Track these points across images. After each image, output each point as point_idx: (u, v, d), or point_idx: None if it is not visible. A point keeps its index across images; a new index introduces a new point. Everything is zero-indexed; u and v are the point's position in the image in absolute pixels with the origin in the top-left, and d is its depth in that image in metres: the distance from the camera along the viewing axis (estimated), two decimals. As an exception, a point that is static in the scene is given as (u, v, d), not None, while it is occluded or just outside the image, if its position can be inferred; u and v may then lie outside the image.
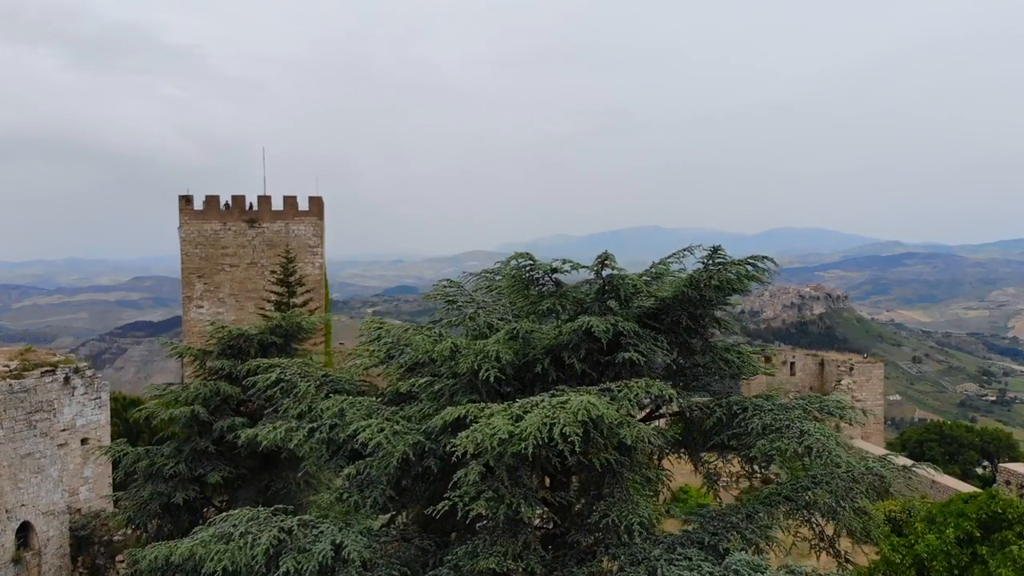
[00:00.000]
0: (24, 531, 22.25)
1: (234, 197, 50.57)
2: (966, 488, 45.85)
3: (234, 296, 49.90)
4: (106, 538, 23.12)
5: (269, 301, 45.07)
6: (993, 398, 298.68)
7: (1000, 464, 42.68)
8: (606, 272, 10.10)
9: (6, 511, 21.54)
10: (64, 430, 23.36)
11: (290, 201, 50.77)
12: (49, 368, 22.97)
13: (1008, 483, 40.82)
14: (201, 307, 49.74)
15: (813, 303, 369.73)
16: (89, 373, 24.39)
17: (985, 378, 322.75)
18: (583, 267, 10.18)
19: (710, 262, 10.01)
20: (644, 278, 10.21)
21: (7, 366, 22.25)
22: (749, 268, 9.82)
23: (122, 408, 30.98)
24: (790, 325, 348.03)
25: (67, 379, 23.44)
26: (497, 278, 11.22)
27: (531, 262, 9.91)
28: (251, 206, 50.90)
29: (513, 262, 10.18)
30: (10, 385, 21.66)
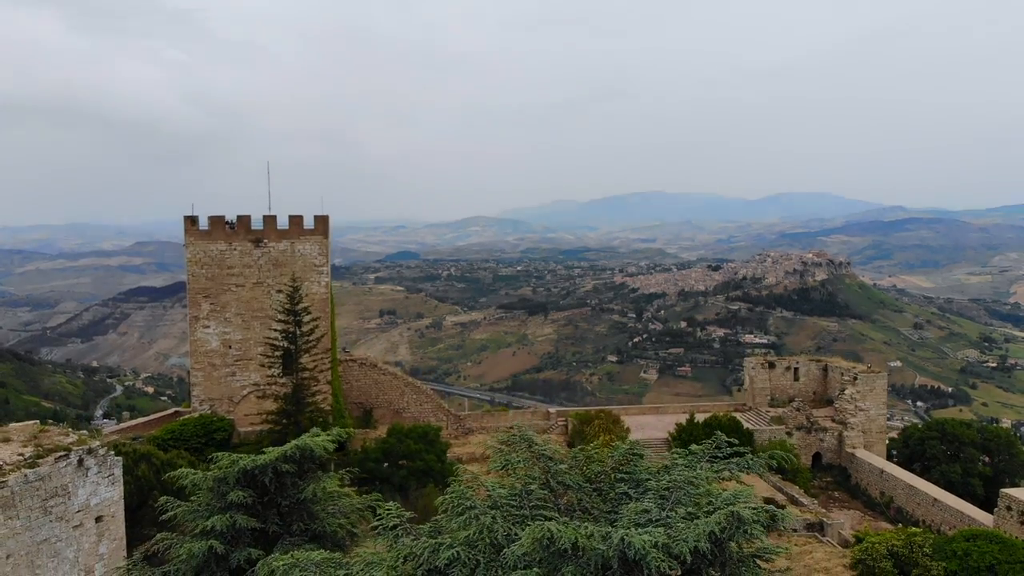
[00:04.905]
0: (41, 615, 22.59)
1: (239, 217, 50.45)
2: (968, 509, 46.28)
3: (240, 316, 50.01)
4: (122, 615, 23.46)
5: (275, 330, 45.27)
6: (994, 365, 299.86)
7: (1002, 490, 42.83)
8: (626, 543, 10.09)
9: (24, 599, 21.86)
10: (79, 511, 23.60)
11: (295, 220, 50.68)
12: (63, 453, 23.13)
13: (1009, 508, 41.17)
14: (208, 327, 49.87)
15: (815, 269, 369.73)
16: (102, 452, 24.54)
17: (986, 344, 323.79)
18: (603, 533, 10.14)
19: (731, 518, 10.08)
20: (662, 540, 10.23)
21: (21, 454, 22.42)
22: (767, 520, 9.89)
23: (132, 464, 31.20)
24: (792, 291, 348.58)
25: (81, 461, 23.63)
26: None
27: (551, 533, 9.94)
28: (264, 221, 50.92)
29: (536, 534, 10.18)
30: (25, 475, 21.86)
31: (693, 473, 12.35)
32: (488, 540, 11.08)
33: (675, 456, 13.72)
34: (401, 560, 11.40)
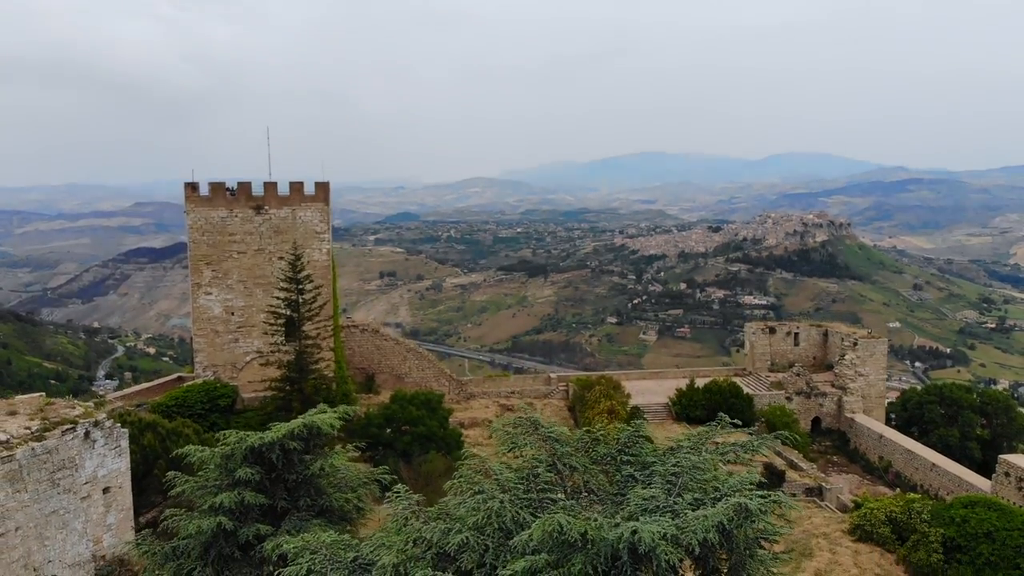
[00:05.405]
0: (53, 585, 22.93)
1: (240, 183, 50.24)
2: (966, 474, 46.72)
3: (243, 283, 50.02)
4: (131, 584, 23.82)
5: (277, 298, 45.31)
6: (992, 326, 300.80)
7: (1000, 456, 43.17)
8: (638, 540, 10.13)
9: (34, 569, 22.16)
10: (87, 483, 23.83)
11: (296, 187, 50.47)
12: (70, 425, 23.29)
13: (1007, 474, 41.53)
14: (210, 294, 49.89)
15: (816, 230, 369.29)
16: (108, 424, 24.71)
17: (985, 305, 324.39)
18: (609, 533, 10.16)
19: (739, 509, 10.17)
20: (671, 531, 10.29)
21: (28, 427, 22.57)
22: (773, 516, 9.99)
23: (138, 433, 31.38)
24: (792, 253, 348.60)
25: (87, 434, 23.80)
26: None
27: (561, 525, 10.00)
28: (264, 188, 50.68)
29: (546, 527, 10.24)
30: (32, 449, 22.03)
31: (699, 457, 12.47)
32: (497, 525, 11.21)
33: (681, 439, 13.83)
34: (411, 543, 11.55)
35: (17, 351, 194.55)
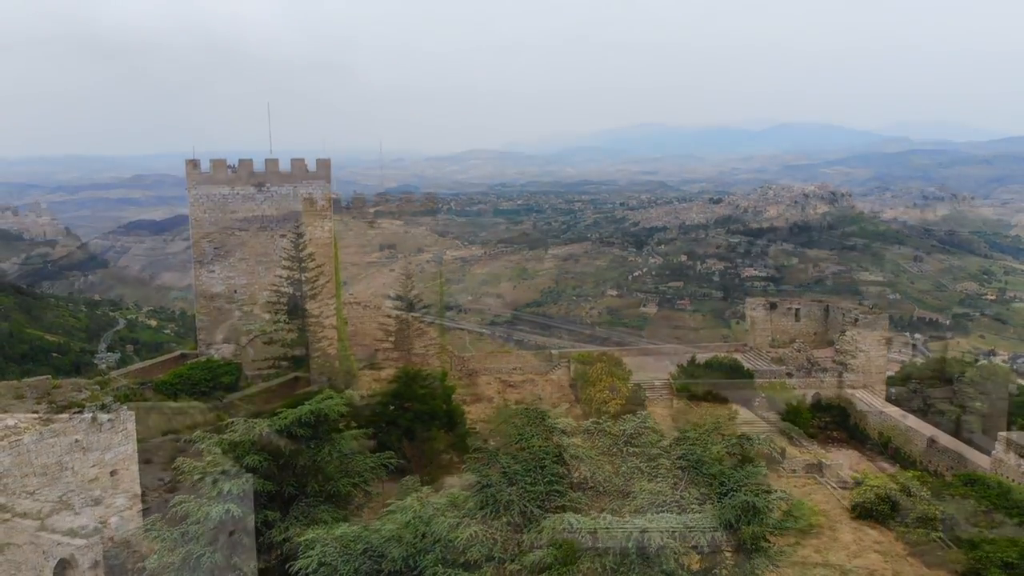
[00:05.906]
0: (62, 567, 23.19)
1: (241, 160, 50.29)
2: (966, 450, 47.02)
3: (244, 261, 50.18)
4: (139, 565, 24.07)
5: (280, 276, 45.43)
6: (992, 297, 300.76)
7: (1000, 432, 43.44)
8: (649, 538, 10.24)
9: (43, 551, 22.40)
10: (94, 466, 24.04)
11: (297, 164, 50.49)
12: (77, 409, 23.48)
13: (1007, 451, 41.79)
14: (212, 271, 50.08)
15: (817, 202, 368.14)
16: (115, 407, 24.89)
17: (985, 277, 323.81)
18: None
19: (746, 508, 10.30)
20: (680, 529, 10.42)
21: (35, 412, 22.75)
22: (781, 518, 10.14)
23: (144, 414, 31.49)
24: (793, 224, 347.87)
25: (94, 417, 23.98)
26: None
27: (572, 524, 10.14)
28: (266, 165, 50.67)
29: (557, 526, 10.36)
30: (40, 433, 22.22)
31: (704, 451, 12.57)
32: (506, 519, 11.34)
33: (688, 430, 13.93)
34: (419, 537, 11.70)
35: (19, 324, 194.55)
